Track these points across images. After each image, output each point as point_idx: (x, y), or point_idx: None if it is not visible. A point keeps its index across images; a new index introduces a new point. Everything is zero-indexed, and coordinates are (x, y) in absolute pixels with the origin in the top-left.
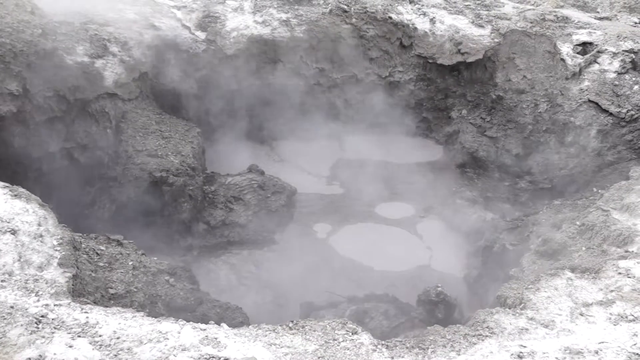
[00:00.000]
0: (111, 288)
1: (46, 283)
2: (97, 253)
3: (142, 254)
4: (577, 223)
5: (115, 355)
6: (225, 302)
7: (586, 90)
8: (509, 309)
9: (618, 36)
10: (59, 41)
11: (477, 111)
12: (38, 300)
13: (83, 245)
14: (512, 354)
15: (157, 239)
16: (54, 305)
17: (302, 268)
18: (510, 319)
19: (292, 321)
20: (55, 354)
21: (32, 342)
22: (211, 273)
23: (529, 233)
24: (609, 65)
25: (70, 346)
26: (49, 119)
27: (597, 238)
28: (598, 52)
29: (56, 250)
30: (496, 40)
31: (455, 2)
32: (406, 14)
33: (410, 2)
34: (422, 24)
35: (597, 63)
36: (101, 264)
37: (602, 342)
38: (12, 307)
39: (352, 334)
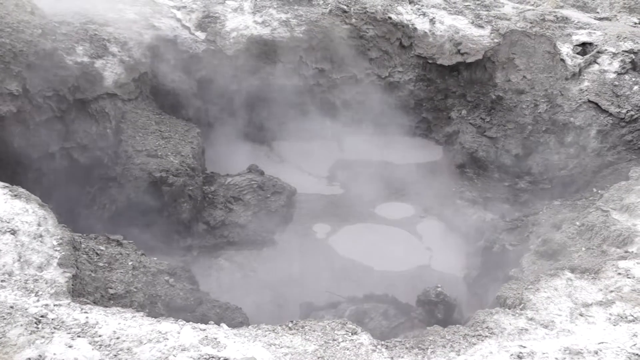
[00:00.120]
0: (111, 288)
1: (46, 283)
2: (96, 253)
3: (141, 254)
4: (577, 223)
5: (115, 355)
6: (225, 302)
7: (586, 90)
8: (509, 309)
9: (618, 36)
10: (58, 41)
11: (476, 111)
12: (38, 300)
13: (83, 246)
14: (511, 354)
15: (157, 239)
16: (54, 305)
17: (302, 268)
18: (509, 319)
19: (292, 321)
20: (55, 354)
21: (32, 342)
22: (211, 273)
23: (529, 233)
24: (609, 66)
25: (70, 346)
26: (49, 119)
27: (597, 238)
28: (598, 52)
29: (56, 250)
30: (496, 40)
31: (455, 3)
32: (406, 15)
33: (410, 3)
34: (421, 24)
35: (597, 63)
36: (101, 264)
37: (602, 343)
38: (12, 307)
39: (352, 334)
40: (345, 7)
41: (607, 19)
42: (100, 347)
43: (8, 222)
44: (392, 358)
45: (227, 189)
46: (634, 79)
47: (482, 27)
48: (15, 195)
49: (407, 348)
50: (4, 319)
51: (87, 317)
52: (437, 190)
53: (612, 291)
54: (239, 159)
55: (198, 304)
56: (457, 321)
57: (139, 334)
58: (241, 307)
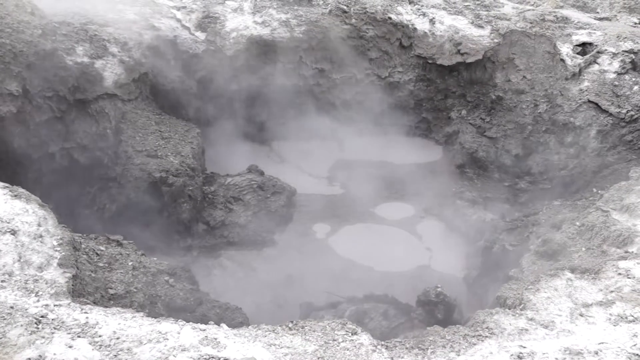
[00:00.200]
0: (111, 288)
1: (46, 283)
2: (96, 253)
3: (141, 254)
4: (577, 224)
5: (115, 355)
6: (225, 303)
7: (586, 90)
8: (509, 309)
9: (618, 37)
10: (58, 42)
11: (476, 112)
12: (38, 301)
13: (83, 246)
14: (511, 355)
15: (157, 240)
16: (54, 305)
17: (302, 268)
18: (510, 319)
19: (292, 321)
20: (55, 354)
21: (32, 342)
22: (211, 273)
23: (529, 234)
24: (609, 66)
25: (70, 346)
26: (49, 119)
27: (597, 239)
28: (598, 52)
29: (56, 250)
30: (496, 40)
31: (454, 3)
32: (406, 15)
33: (410, 3)
34: (421, 25)
35: (597, 63)
36: (101, 265)
37: (602, 343)
38: (12, 307)
39: (352, 334)
40: (345, 7)
41: (607, 19)
42: (100, 348)
43: (8, 223)
44: (392, 358)
45: (227, 189)
46: (634, 79)
47: (482, 27)
48: (16, 196)
49: (407, 348)
50: (4, 319)
51: (87, 318)
52: (437, 190)
53: (612, 291)
54: (238, 159)
55: (198, 304)
56: (457, 321)
57: (139, 334)
58: (241, 307)
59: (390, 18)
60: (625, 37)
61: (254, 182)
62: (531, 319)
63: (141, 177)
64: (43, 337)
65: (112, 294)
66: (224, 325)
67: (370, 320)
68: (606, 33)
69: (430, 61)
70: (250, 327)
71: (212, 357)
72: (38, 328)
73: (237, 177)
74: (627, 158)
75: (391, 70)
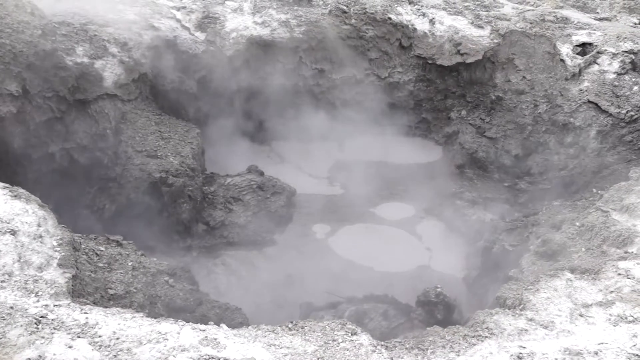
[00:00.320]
0: (111, 289)
1: (46, 283)
2: (96, 254)
3: (141, 254)
4: (577, 224)
5: (115, 355)
6: (225, 303)
7: (586, 91)
8: (509, 309)
9: (618, 37)
10: (58, 42)
11: (476, 112)
12: (38, 301)
13: (82, 246)
14: (511, 355)
15: (157, 240)
16: (54, 305)
17: (302, 269)
18: (509, 319)
19: (292, 322)
20: (54, 354)
21: (32, 342)
22: (210, 274)
23: (529, 234)
24: (609, 66)
25: (70, 347)
26: (49, 119)
27: (597, 239)
28: (598, 52)
29: (56, 250)
30: (495, 41)
31: (454, 3)
32: (405, 15)
33: (410, 3)
34: (421, 25)
35: (597, 64)
36: (101, 265)
37: (602, 343)
38: (11, 307)
39: (352, 334)
40: (344, 7)
41: (607, 19)
42: (100, 348)
43: (8, 223)
44: (391, 358)
45: (226, 190)
46: (633, 80)
47: (481, 27)
48: (15, 196)
49: (406, 348)
50: (4, 319)
51: (87, 318)
52: (436, 190)
53: (612, 292)
54: (238, 159)
55: (198, 305)
56: (456, 322)
57: (138, 334)
58: (241, 308)
59: (390, 18)
60: (625, 38)
61: (253, 182)
62: (531, 320)
63: (141, 178)
64: (43, 338)
65: (111, 294)
66: (223, 326)
67: (370, 320)
68: (606, 33)
69: (430, 61)
70: (250, 327)
71: (212, 358)
72: (38, 328)
73: (237, 178)
74: (627, 158)
75: (391, 70)
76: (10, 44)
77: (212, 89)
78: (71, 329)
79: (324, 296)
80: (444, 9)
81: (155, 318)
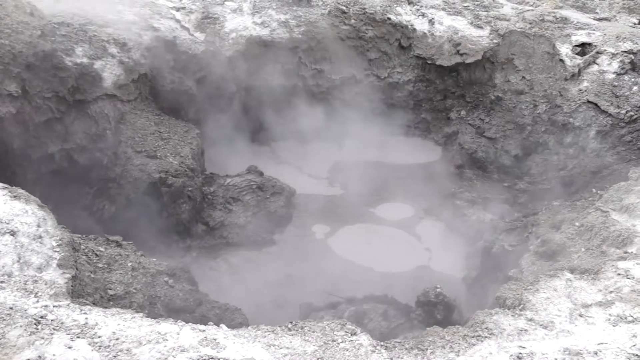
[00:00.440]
0: (110, 289)
1: (45, 284)
2: (96, 254)
3: (141, 255)
4: (576, 224)
5: (115, 356)
6: (225, 303)
7: (585, 91)
8: (508, 310)
9: (617, 37)
10: (58, 42)
11: (476, 112)
12: (37, 302)
13: (82, 247)
14: (511, 355)
15: (156, 240)
16: (53, 306)
17: (301, 269)
18: (509, 320)
19: (291, 322)
20: (54, 354)
21: (32, 343)
22: (210, 274)
23: (528, 234)
24: (608, 66)
25: (70, 347)
26: (48, 120)
27: (596, 239)
28: (597, 52)
29: (55, 251)
30: (495, 41)
31: (454, 3)
32: (405, 15)
33: (409, 3)
34: (421, 25)
35: (596, 64)
36: (100, 265)
37: (602, 343)
38: (11, 308)
39: (351, 335)
40: (344, 8)
41: (606, 19)
42: (99, 348)
43: (7, 223)
44: (391, 359)
45: (226, 190)
46: (633, 80)
47: (481, 27)
48: (15, 197)
49: (406, 349)
50: (4, 320)
51: (86, 318)
52: (436, 191)
53: (611, 292)
54: (238, 159)
55: (197, 305)
56: (456, 322)
57: (138, 334)
58: (240, 308)
59: (389, 19)
60: (625, 38)
61: (253, 182)
62: (530, 320)
63: (140, 178)
64: (42, 338)
65: (111, 295)
66: (223, 326)
67: (370, 320)
68: (605, 33)
69: (429, 62)
70: (249, 327)
71: (212, 358)
72: (37, 329)
73: (237, 178)
74: (626, 158)
75: (390, 70)
76: (9, 44)
77: (212, 90)
78: (71, 329)
79: (324, 296)
80: (443, 9)
81: (154, 318)
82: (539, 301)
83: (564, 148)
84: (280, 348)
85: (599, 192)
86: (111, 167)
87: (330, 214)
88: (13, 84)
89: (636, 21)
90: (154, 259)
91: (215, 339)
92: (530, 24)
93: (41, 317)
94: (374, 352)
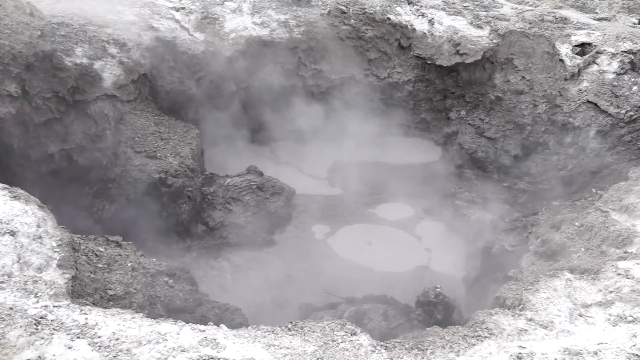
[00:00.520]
0: (110, 289)
1: (45, 284)
2: (96, 254)
3: (141, 255)
4: (576, 224)
5: (115, 356)
6: (224, 303)
7: (585, 91)
8: (508, 310)
9: (617, 37)
10: (57, 43)
11: (475, 112)
12: (37, 302)
13: (82, 247)
14: (511, 355)
15: (156, 240)
16: (53, 306)
17: (301, 269)
18: (509, 320)
19: (291, 322)
20: (54, 355)
21: (32, 343)
22: (210, 274)
23: (528, 234)
24: (608, 66)
25: (70, 347)
26: (48, 120)
27: (596, 239)
28: (597, 52)
29: (55, 251)
30: (495, 41)
31: (453, 3)
32: (405, 15)
33: (409, 3)
34: (420, 25)
35: (596, 64)
36: (100, 265)
37: (601, 343)
38: (11, 308)
39: (351, 335)
40: (344, 8)
41: (606, 19)
42: (99, 348)
43: (7, 224)
44: (391, 359)
45: (226, 190)
46: (632, 80)
47: (481, 27)
48: (15, 197)
49: (406, 349)
50: (4, 320)
51: (86, 318)
52: (436, 191)
53: (611, 292)
54: (237, 159)
55: (197, 305)
56: (456, 322)
57: (138, 335)
58: (240, 308)
59: (389, 19)
60: (624, 38)
61: (253, 182)
62: (530, 320)
63: (140, 178)
64: (42, 338)
65: (111, 295)
66: (223, 326)
67: (370, 320)
68: (605, 33)
69: (429, 62)
70: (249, 327)
71: (212, 358)
72: (37, 329)
73: (236, 178)
74: (626, 158)
75: (390, 70)
76: (9, 44)
77: (211, 90)
78: (71, 329)
79: (324, 296)
80: (443, 9)
81: (154, 319)
82: (538, 301)
83: (563, 148)
84: (280, 348)
85: (598, 192)
86: (111, 168)
87: (330, 214)
88: (13, 85)
89: (636, 21)
90: (154, 259)
91: (215, 339)
92: (530, 23)
93: (41, 318)
94: (374, 352)
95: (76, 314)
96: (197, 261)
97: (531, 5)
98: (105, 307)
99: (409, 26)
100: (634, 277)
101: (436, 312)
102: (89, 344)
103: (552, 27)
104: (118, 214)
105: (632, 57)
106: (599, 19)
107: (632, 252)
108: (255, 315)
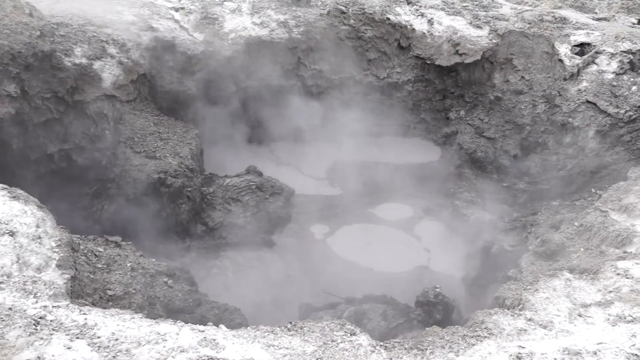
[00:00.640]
0: (109, 289)
1: (44, 285)
2: (95, 254)
3: (140, 255)
4: (576, 224)
5: (114, 356)
6: (224, 304)
7: (584, 91)
8: (508, 309)
9: (616, 37)
10: (57, 43)
11: (475, 112)
12: (36, 302)
13: (81, 247)
14: (510, 355)
15: (155, 241)
16: (53, 306)
17: (300, 269)
18: (508, 319)
19: (291, 322)
20: (53, 355)
21: (31, 343)
22: (209, 274)
23: (528, 234)
24: (607, 66)
25: (69, 348)
26: (47, 120)
27: (596, 239)
28: (596, 52)
29: (54, 251)
30: (494, 41)
31: (453, 3)
32: (404, 15)
33: (408, 3)
34: (420, 25)
35: (595, 64)
36: (99, 266)
37: (601, 343)
38: (10, 308)
39: (351, 335)
40: (343, 8)
41: (605, 19)
42: (99, 349)
43: (6, 224)
44: (391, 359)
45: (225, 190)
46: (632, 80)
47: (480, 27)
48: (14, 197)
49: (406, 349)
50: (3, 320)
51: (85, 319)
52: (435, 191)
53: (610, 291)
54: (237, 160)
55: (197, 305)
56: (455, 322)
57: (137, 335)
58: (240, 308)
59: (388, 19)
60: (624, 38)
61: (252, 183)
62: (530, 320)
63: (139, 178)
64: (41, 339)
65: (110, 295)
66: (222, 326)
67: (369, 320)
68: (604, 33)
69: (428, 62)
70: (249, 328)
71: (211, 358)
72: (36, 329)
73: (236, 178)
74: (625, 158)
75: (390, 70)
76: (8, 45)
77: (211, 90)
78: (70, 330)
79: (323, 296)
80: (442, 9)
81: (154, 319)
82: (538, 301)
83: (563, 148)
84: (280, 348)
85: (598, 192)
86: (110, 168)
87: (329, 214)
88: (12, 85)
89: (635, 21)
90: (153, 260)
91: (214, 340)
92: (529, 23)
93: (40, 318)
94: (374, 352)
95: (75, 314)
96: (197, 261)
97: (530, 5)
98: (105, 308)
99: (409, 26)
100: (633, 277)
101: (435, 312)
102: (88, 345)
103: (552, 27)
104: (117, 214)
105: (632, 57)
106: (598, 19)
107: (631, 252)
108: (255, 315)
